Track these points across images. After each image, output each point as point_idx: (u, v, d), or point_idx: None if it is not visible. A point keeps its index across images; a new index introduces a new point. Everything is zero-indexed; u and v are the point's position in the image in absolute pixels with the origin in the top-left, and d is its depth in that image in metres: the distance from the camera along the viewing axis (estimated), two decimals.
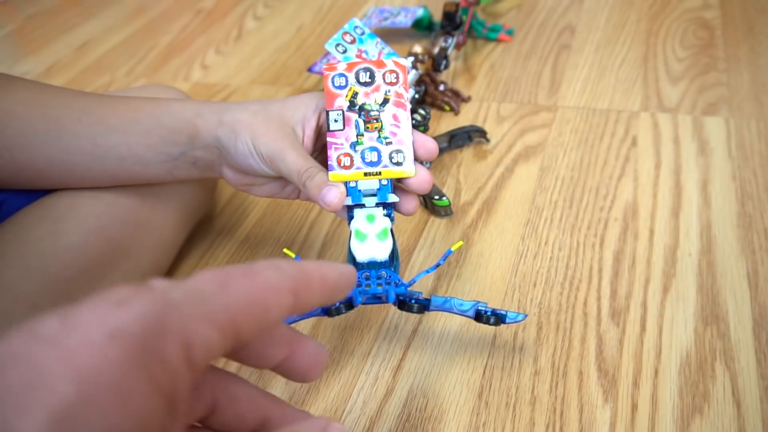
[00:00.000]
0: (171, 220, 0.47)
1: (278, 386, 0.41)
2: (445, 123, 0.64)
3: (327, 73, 0.38)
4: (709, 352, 0.39)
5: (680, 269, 0.44)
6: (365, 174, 0.36)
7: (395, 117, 0.37)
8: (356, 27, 0.50)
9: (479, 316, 0.37)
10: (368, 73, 0.38)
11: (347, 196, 0.37)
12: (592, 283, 0.45)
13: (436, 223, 0.52)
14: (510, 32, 0.77)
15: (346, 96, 0.37)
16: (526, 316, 0.39)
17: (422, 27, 0.78)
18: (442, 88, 0.66)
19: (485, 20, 0.78)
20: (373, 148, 0.36)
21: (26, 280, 0.38)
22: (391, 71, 0.38)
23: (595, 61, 0.69)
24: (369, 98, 0.38)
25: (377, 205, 0.38)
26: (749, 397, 0.36)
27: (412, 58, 0.66)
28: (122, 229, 0.43)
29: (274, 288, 0.18)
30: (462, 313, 0.38)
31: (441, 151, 0.59)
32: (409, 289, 0.39)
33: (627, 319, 0.42)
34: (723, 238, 0.46)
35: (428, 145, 0.38)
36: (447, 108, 0.65)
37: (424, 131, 0.54)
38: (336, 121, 0.37)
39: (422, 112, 0.54)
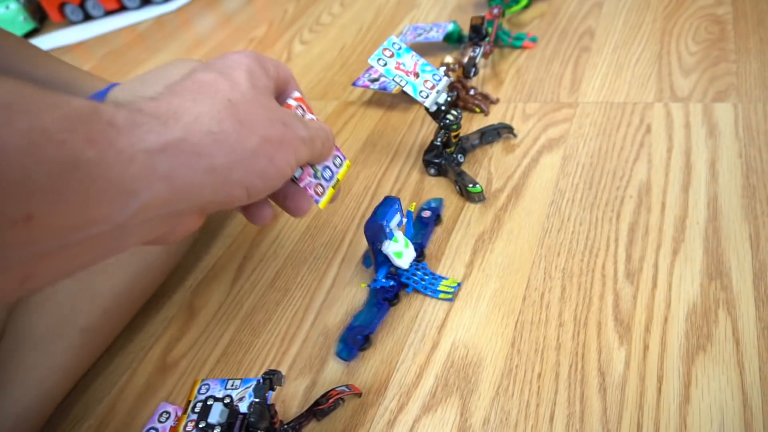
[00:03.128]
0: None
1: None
2: (476, 123, 0.71)
3: None
4: (713, 301, 0.45)
5: (688, 235, 0.50)
6: (332, 187, 0.40)
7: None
8: (394, 43, 0.59)
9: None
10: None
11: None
12: (609, 250, 0.51)
13: (471, 208, 0.59)
14: (534, 39, 0.84)
15: None
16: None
17: (453, 40, 0.86)
18: (472, 92, 0.74)
19: (510, 30, 0.86)
20: (324, 167, 0.40)
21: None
22: (297, 107, 0.40)
23: (612, 61, 0.76)
24: None
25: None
26: (747, 336, 0.42)
27: (444, 68, 0.74)
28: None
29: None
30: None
31: (473, 146, 0.66)
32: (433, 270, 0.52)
33: (640, 278, 0.48)
34: (728, 207, 0.52)
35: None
36: (477, 110, 0.73)
37: (457, 129, 0.62)
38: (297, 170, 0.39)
39: (455, 113, 0.62)
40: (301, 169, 0.38)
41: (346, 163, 0.42)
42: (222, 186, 0.29)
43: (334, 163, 0.41)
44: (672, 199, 0.54)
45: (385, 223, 0.47)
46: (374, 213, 0.48)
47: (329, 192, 0.40)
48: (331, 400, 0.44)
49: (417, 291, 0.52)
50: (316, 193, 0.39)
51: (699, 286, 0.46)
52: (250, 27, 1.19)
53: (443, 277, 0.52)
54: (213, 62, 0.33)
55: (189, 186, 0.27)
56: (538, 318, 0.47)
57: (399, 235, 0.50)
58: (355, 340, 0.48)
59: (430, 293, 0.51)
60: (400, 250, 0.50)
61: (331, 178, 0.40)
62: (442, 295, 0.50)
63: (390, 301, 0.51)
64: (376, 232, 0.48)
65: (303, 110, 0.40)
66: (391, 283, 0.51)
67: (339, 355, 0.48)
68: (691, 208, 0.53)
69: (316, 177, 0.39)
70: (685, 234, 0.51)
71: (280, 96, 0.39)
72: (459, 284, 0.51)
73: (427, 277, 0.52)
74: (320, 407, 0.44)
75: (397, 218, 0.49)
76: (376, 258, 0.51)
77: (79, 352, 0.52)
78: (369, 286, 0.52)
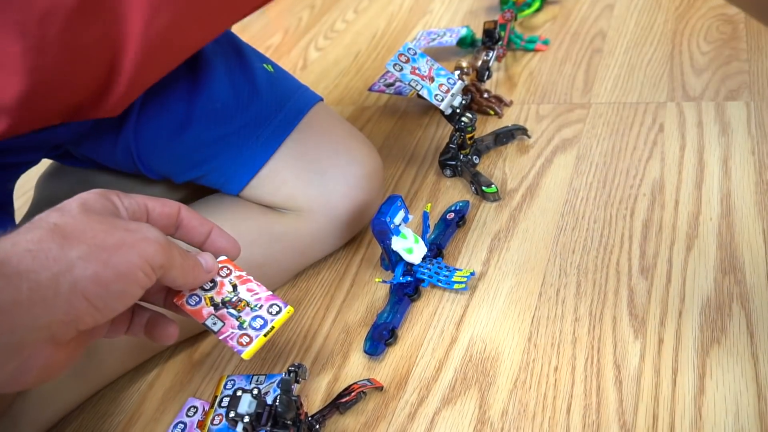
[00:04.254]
0: None
1: (357, 346, 0.51)
2: (490, 125, 0.73)
3: (180, 302, 0.41)
4: (726, 295, 0.46)
5: (702, 231, 0.51)
6: (264, 335, 0.39)
7: (249, 290, 0.42)
8: (409, 49, 0.61)
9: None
10: (210, 283, 0.41)
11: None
12: (623, 247, 0.52)
13: (487, 208, 0.61)
14: (546, 42, 0.85)
15: (207, 304, 0.41)
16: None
17: (466, 44, 0.87)
18: (486, 95, 0.75)
19: (523, 33, 0.87)
20: (255, 318, 0.40)
21: None
22: (221, 268, 0.42)
23: (624, 61, 0.77)
24: (222, 293, 0.41)
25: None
26: (762, 329, 0.43)
27: (458, 71, 0.76)
28: None
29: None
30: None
31: (488, 148, 0.68)
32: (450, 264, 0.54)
33: (655, 274, 0.49)
34: (741, 203, 0.52)
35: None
36: (491, 112, 0.74)
37: (472, 131, 0.63)
38: (215, 323, 0.40)
39: (469, 115, 0.63)
40: (222, 321, 0.39)
41: (287, 309, 0.40)
42: (54, 301, 0.28)
43: (269, 311, 0.40)
44: (685, 197, 0.55)
45: (388, 219, 0.49)
46: (378, 210, 0.50)
47: (258, 341, 0.39)
48: (353, 394, 0.45)
49: (433, 285, 0.53)
50: (240, 344, 0.38)
51: (713, 281, 0.47)
52: (266, 35, 1.22)
53: (457, 269, 0.53)
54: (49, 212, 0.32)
55: (14, 306, 0.26)
56: (554, 313, 0.48)
57: (407, 231, 0.52)
58: (381, 335, 0.50)
59: (444, 285, 0.52)
60: (409, 246, 0.51)
61: (263, 327, 0.39)
62: (456, 285, 0.52)
63: (410, 296, 0.53)
64: (380, 228, 0.50)
65: (229, 270, 0.41)
66: (408, 278, 0.53)
67: (366, 351, 0.50)
68: (704, 205, 0.53)
69: (241, 328, 0.39)
70: (699, 230, 0.51)
71: (178, 231, 0.39)
72: (472, 273, 0.53)
73: (441, 270, 0.53)
74: (343, 400, 0.45)
75: (401, 215, 0.51)
76: (390, 257, 0.52)
77: (125, 354, 0.54)
78: (384, 281, 0.54)
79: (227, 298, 0.41)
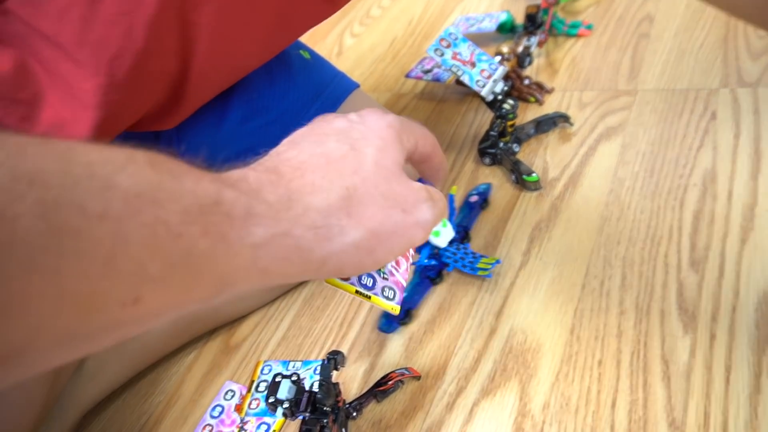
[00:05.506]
0: None
1: (399, 332, 0.50)
2: (531, 113, 0.71)
3: None
4: None
5: (758, 223, 0.49)
6: (356, 291, 0.37)
7: (397, 262, 0.39)
8: (451, 33, 0.59)
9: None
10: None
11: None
12: (672, 239, 0.50)
13: (527, 197, 0.59)
14: (589, 27, 0.82)
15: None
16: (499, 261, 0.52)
17: (506, 30, 0.85)
18: (527, 82, 0.73)
19: (565, 18, 0.84)
20: (370, 275, 0.37)
21: None
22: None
23: (674, 46, 0.73)
24: None
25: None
26: None
27: (499, 57, 0.74)
28: None
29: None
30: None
31: (528, 136, 0.66)
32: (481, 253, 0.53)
33: (706, 267, 0.47)
34: None
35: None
36: (532, 99, 0.72)
37: (513, 118, 0.62)
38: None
39: (511, 101, 0.62)
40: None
41: (392, 306, 0.37)
42: (314, 273, 0.29)
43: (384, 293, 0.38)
44: (740, 187, 0.52)
45: None
46: None
47: (374, 298, 0.37)
48: (391, 382, 0.45)
49: (457, 270, 0.53)
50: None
51: None
52: None
53: (483, 255, 0.53)
54: (352, 123, 0.33)
55: (282, 275, 0.28)
56: (598, 306, 0.47)
57: None
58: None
59: (468, 270, 0.51)
60: (437, 230, 0.50)
61: (371, 287, 0.37)
62: (480, 272, 0.51)
63: (432, 280, 0.53)
64: None
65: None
66: (433, 262, 0.52)
67: (380, 328, 0.50)
68: (760, 196, 0.51)
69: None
70: (755, 222, 0.49)
71: (424, 163, 0.38)
72: (498, 261, 0.52)
73: (467, 256, 0.53)
74: (380, 388, 0.45)
75: None
76: None
77: (167, 335, 0.56)
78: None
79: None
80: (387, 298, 0.37)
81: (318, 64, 0.61)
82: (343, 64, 0.97)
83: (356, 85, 0.61)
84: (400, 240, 0.31)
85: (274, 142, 0.59)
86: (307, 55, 0.61)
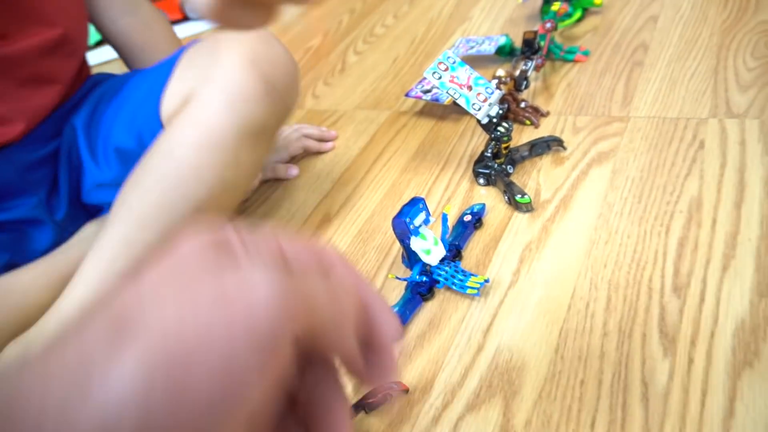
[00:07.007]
0: None
1: None
2: (526, 135, 0.73)
3: None
4: (762, 318, 0.45)
5: (739, 252, 0.50)
6: None
7: None
8: (449, 57, 0.61)
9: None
10: None
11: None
12: (657, 264, 0.52)
13: (519, 218, 0.61)
14: (586, 53, 0.84)
15: None
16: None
17: (504, 53, 0.88)
18: (523, 105, 0.75)
19: (562, 43, 0.86)
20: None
21: None
22: None
23: (666, 75, 0.76)
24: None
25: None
26: None
27: (496, 81, 0.76)
28: None
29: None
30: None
31: (522, 158, 0.68)
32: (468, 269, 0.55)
33: (688, 293, 0.48)
34: None
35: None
36: (528, 122, 0.74)
37: (507, 141, 0.64)
38: None
39: (505, 125, 0.63)
40: None
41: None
42: None
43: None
44: (724, 216, 0.54)
45: (408, 220, 0.51)
46: (399, 211, 0.51)
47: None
48: (380, 395, 0.46)
49: (447, 287, 0.54)
50: None
51: (748, 303, 0.46)
52: (306, 38, 1.24)
53: (473, 274, 0.54)
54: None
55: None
56: (583, 327, 0.48)
57: (427, 233, 0.53)
58: None
59: (458, 288, 0.53)
60: (428, 248, 0.53)
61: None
62: (469, 291, 0.52)
63: (423, 296, 0.54)
64: (400, 228, 0.51)
65: None
66: (424, 278, 0.54)
67: None
68: (743, 225, 0.53)
69: None
70: (736, 250, 0.51)
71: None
72: (486, 280, 0.53)
73: (457, 274, 0.54)
74: (369, 401, 0.46)
75: (421, 216, 0.52)
76: (409, 256, 0.54)
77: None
78: (397, 277, 0.56)
79: None
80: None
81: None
82: (345, 80, 1.00)
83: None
84: None
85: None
86: None
